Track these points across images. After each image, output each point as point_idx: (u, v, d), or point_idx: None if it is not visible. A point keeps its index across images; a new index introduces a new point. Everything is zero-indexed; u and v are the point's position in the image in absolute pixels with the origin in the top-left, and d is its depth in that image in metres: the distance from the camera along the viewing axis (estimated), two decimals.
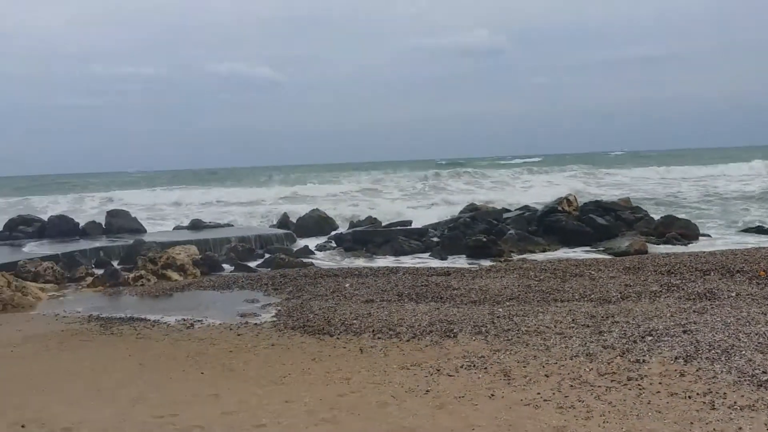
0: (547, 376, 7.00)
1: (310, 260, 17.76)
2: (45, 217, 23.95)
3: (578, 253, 17.80)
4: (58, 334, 9.89)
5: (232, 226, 25.06)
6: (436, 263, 17.14)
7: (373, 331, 9.41)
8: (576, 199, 22.07)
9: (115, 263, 17.36)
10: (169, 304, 12.59)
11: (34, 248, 18.86)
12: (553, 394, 6.43)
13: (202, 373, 7.67)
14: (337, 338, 9.17)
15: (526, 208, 24.27)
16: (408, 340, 8.85)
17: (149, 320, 10.82)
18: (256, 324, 10.33)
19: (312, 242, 20.33)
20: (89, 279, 15.05)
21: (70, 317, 11.32)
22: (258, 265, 17.10)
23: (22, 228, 22.51)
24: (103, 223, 23.33)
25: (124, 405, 6.50)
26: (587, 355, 7.64)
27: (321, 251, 19.61)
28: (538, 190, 36.02)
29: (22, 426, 5.82)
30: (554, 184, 40.96)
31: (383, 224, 23.06)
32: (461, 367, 7.49)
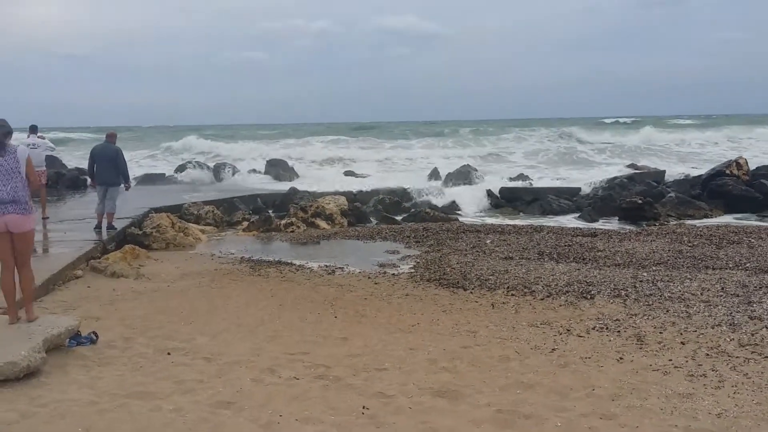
0: (683, 343, 6.67)
1: (455, 215, 17.80)
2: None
3: (743, 221, 16.59)
4: (211, 273, 10.59)
5: (383, 177, 25.52)
6: (583, 224, 16.62)
7: (508, 287, 9.34)
8: (746, 163, 20.52)
9: (269, 210, 18.26)
10: (314, 250, 13.10)
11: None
12: (686, 361, 6.13)
13: (336, 317, 7.96)
14: (471, 292, 9.19)
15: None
16: (542, 299, 8.72)
17: (294, 265, 11.33)
18: (393, 274, 10.55)
19: (460, 197, 20.29)
20: (245, 223, 15.94)
21: (224, 258, 12.07)
22: (403, 218, 17.36)
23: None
24: (263, 171, 24.55)
25: (261, 341, 6.91)
26: (731, 324, 7.19)
27: (467, 206, 19.55)
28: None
29: (168, 353, 6.34)
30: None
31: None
32: (593, 328, 7.30)
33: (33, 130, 14.53)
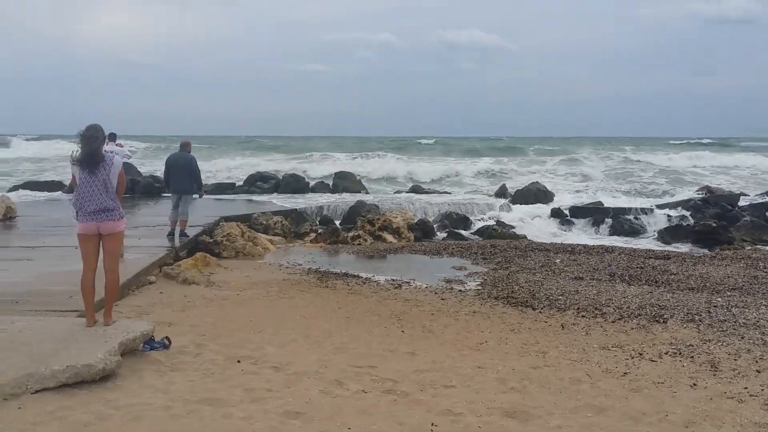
0: (758, 371, 6.41)
1: (522, 233, 17.58)
2: (280, 175, 25.89)
3: None
4: (279, 283, 10.70)
5: (449, 193, 25.44)
6: (656, 246, 16.19)
7: (578, 308, 9.15)
8: None
9: (336, 222, 18.39)
10: (381, 264, 13.12)
11: (268, 202, 20.49)
12: (762, 390, 5.88)
13: (403, 331, 7.93)
14: (540, 312, 9.04)
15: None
16: (613, 321, 8.51)
17: (361, 277, 11.36)
18: (460, 290, 10.46)
19: (528, 214, 20.04)
20: (312, 235, 16.09)
21: (292, 268, 12.19)
22: (471, 234, 17.25)
23: (260, 184, 24.54)
24: (330, 184, 24.77)
25: (328, 352, 6.92)
26: None
27: (536, 224, 19.29)
28: None
29: (238, 361, 6.41)
30: None
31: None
32: (666, 353, 7.07)
33: (112, 138, 14.96)
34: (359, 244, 15.19)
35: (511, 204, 21.60)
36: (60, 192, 23.09)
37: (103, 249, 6.57)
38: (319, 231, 16.19)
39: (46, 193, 22.83)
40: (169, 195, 13.49)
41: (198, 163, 13.54)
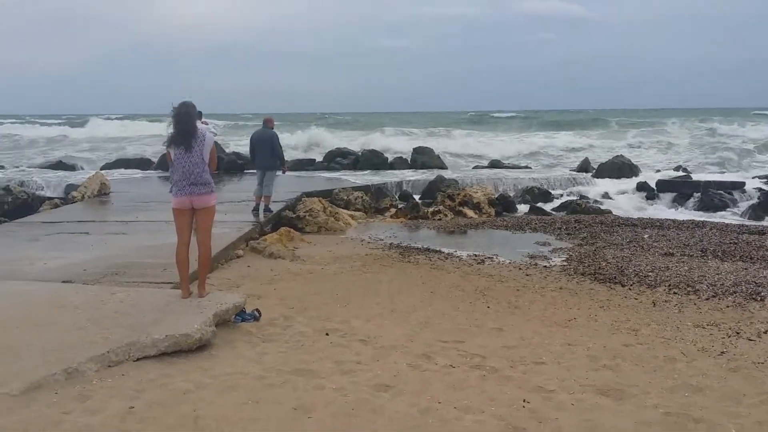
0: None
1: (607, 207, 17.17)
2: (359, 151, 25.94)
3: None
4: (362, 258, 10.78)
5: (530, 168, 25.05)
6: (748, 221, 15.54)
7: (669, 285, 8.89)
8: None
9: (416, 197, 18.37)
10: (462, 239, 13.05)
11: (348, 178, 20.63)
12: None
13: (488, 307, 7.88)
14: (629, 289, 8.82)
15: None
16: (707, 299, 8.23)
17: (443, 253, 11.33)
18: (545, 266, 10.31)
19: (612, 188, 19.53)
20: (392, 210, 16.13)
21: (374, 243, 12.26)
22: (553, 209, 16.96)
23: (339, 159, 24.67)
24: (409, 159, 24.72)
25: (414, 327, 6.94)
26: None
27: (621, 198, 18.79)
28: None
29: (326, 334, 6.50)
30: None
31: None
32: (765, 332, 6.80)
33: (198, 116, 15.33)
34: (439, 219, 15.14)
35: (594, 178, 21.09)
36: (149, 170, 23.86)
37: (196, 223, 6.76)
38: (400, 206, 16.21)
39: (135, 171, 23.59)
40: (253, 171, 13.72)
41: (280, 139, 13.72)
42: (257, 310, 6.94)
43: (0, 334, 5.53)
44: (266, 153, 13.27)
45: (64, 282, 7.66)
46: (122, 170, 23.78)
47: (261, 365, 5.49)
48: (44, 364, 4.93)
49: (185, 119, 6.59)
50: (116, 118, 66.19)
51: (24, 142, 42.62)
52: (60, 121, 67.35)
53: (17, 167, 25.92)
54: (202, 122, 15.32)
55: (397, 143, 32.94)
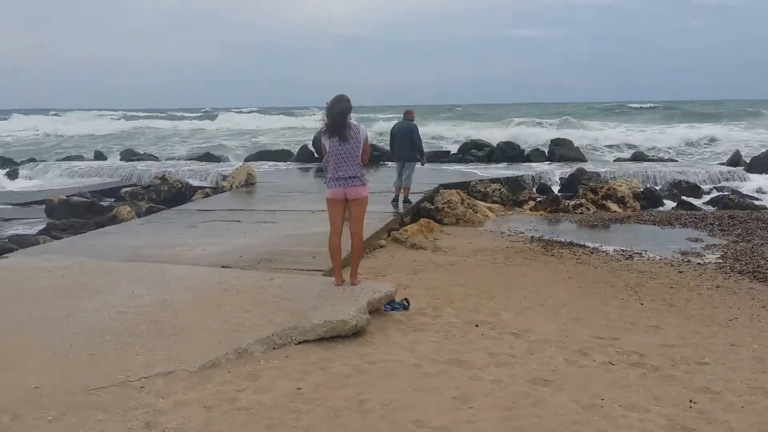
0: None
1: (761, 203, 16.12)
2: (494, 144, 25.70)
3: None
4: (503, 250, 10.69)
5: (675, 161, 23.94)
6: None
7: None
8: None
9: (555, 189, 18.00)
10: (607, 234, 12.65)
11: (482, 170, 20.49)
12: None
13: (642, 304, 7.61)
14: None
15: None
16: None
17: (588, 247, 11.04)
18: (699, 263, 9.83)
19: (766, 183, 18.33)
20: (531, 203, 15.87)
21: (514, 236, 12.11)
22: (703, 203, 16.13)
23: (474, 152, 24.56)
24: (546, 151, 24.24)
25: (566, 321, 6.82)
26: None
27: None
28: None
29: (476, 325, 6.50)
30: None
31: None
32: None
33: None
34: (581, 213, 14.75)
35: (747, 172, 19.86)
36: (289, 161, 24.70)
37: (350, 213, 6.92)
38: (540, 199, 15.92)
39: (278, 163, 24.45)
40: (392, 163, 13.91)
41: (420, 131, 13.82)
42: (406, 299, 7.04)
43: (178, 316, 5.91)
44: (406, 145, 13.40)
45: (223, 267, 8.08)
46: (262, 162, 24.75)
47: (414, 354, 5.57)
48: (216, 344, 5.23)
49: (340, 111, 6.76)
50: (248, 111, 69.46)
51: (165, 134, 45.44)
52: (197, 114, 71.40)
53: (171, 159, 27.61)
54: None
55: (530, 135, 32.40)
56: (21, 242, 11.21)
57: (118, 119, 63.97)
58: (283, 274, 7.56)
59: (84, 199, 15.84)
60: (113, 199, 17.53)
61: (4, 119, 62.73)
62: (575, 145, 24.48)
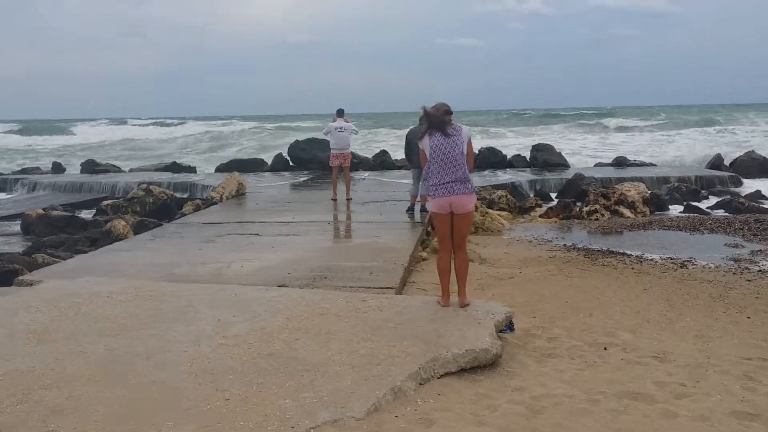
0: None
1: (766, 206, 16.03)
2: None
3: None
4: (549, 261, 10.09)
5: (655, 165, 23.92)
6: None
7: None
8: None
9: (552, 195, 17.60)
10: (640, 239, 12.14)
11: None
12: None
13: (748, 317, 7.08)
14: None
15: None
16: None
17: (631, 255, 10.54)
18: (759, 270, 9.42)
19: (763, 186, 18.32)
20: (538, 210, 15.38)
21: (545, 245, 11.56)
22: (709, 207, 15.93)
23: None
24: (528, 157, 23.89)
25: (691, 340, 6.17)
26: None
27: None
28: None
29: (605, 348, 5.82)
30: None
31: None
32: None
33: (340, 113, 14.82)
34: (596, 219, 14.32)
35: (737, 175, 19.88)
36: (263, 171, 23.64)
37: (453, 227, 6.16)
38: (551, 206, 15.44)
39: (249, 174, 23.38)
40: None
41: None
42: (510, 320, 6.33)
43: (291, 348, 5.03)
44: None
45: (279, 286, 7.22)
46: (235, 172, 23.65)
47: (571, 385, 4.85)
48: (364, 381, 4.40)
49: (439, 108, 6.07)
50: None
51: (134, 144, 44.14)
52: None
53: (137, 170, 26.24)
54: (344, 120, 14.85)
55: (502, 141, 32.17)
56: (17, 262, 10.02)
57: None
58: (364, 292, 6.74)
59: (64, 213, 14.58)
60: (93, 212, 16.27)
61: None
62: (557, 150, 24.23)
